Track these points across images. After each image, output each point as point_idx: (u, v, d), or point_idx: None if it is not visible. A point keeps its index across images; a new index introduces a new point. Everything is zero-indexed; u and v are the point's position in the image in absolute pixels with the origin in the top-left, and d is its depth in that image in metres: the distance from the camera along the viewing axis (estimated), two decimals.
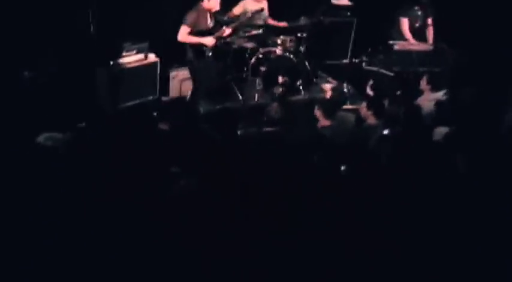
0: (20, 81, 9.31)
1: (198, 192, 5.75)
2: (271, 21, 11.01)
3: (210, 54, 9.62)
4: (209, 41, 9.49)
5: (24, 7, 9.33)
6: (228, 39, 10.23)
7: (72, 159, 6.37)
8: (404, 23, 10.66)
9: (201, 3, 9.42)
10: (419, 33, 10.73)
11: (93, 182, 6.05)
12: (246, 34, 10.56)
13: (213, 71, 10.02)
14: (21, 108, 8.71)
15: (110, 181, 6.02)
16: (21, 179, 5.91)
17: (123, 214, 5.60)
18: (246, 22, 10.47)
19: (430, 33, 10.82)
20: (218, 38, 9.61)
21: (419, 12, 10.62)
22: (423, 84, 8.89)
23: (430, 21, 10.75)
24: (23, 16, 9.33)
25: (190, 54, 9.62)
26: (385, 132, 7.32)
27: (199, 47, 9.51)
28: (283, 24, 11.00)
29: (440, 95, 8.58)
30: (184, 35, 9.36)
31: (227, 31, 9.75)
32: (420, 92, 8.91)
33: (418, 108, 8.22)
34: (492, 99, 8.53)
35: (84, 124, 8.26)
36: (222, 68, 10.51)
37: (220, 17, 9.85)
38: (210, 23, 9.59)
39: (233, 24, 9.99)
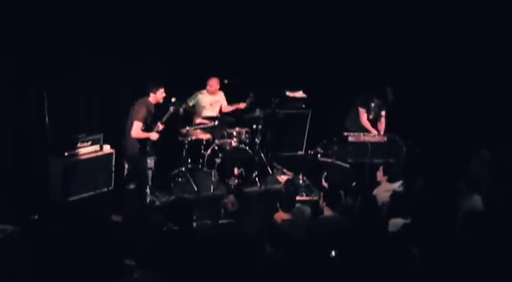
0: None
1: None
2: (228, 108, 11.12)
3: (152, 148, 9.63)
4: (154, 136, 9.35)
5: None
6: (184, 131, 10.24)
7: (24, 252, 6.24)
8: (363, 113, 10.75)
9: (147, 98, 9.33)
10: (372, 124, 10.83)
11: (45, 275, 5.91)
12: (202, 126, 10.59)
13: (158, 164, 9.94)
14: None
15: (63, 275, 5.88)
16: None
17: None
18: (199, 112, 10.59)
19: (382, 124, 10.88)
20: (159, 132, 9.51)
21: (373, 104, 10.72)
22: (379, 175, 8.94)
23: (383, 113, 10.84)
24: None
25: (134, 150, 9.36)
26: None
27: (145, 142, 9.43)
28: (242, 105, 11.05)
29: (397, 185, 8.63)
30: (138, 131, 9.16)
31: (161, 126, 9.63)
32: (377, 183, 8.95)
33: (374, 199, 8.26)
34: (445, 190, 8.63)
35: (36, 216, 8.13)
36: (177, 159, 10.48)
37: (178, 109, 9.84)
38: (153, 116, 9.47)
39: (165, 117, 9.89)
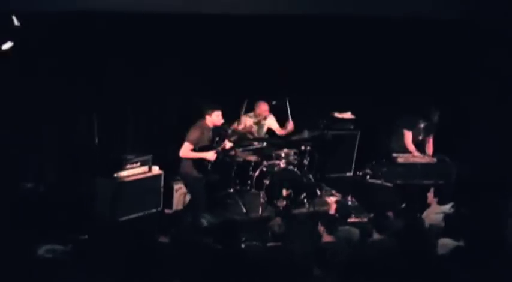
0: (20, 191, 9.34)
1: None
2: (282, 131, 11.09)
3: (209, 167, 9.63)
4: (211, 155, 9.47)
5: (29, 116, 9.46)
6: (232, 153, 10.26)
7: (73, 272, 6.28)
8: (409, 136, 10.62)
9: (204, 121, 9.49)
10: (419, 147, 10.73)
11: None
12: (250, 147, 10.59)
13: (210, 185, 9.97)
14: (21, 219, 8.68)
15: None
16: None
17: None
18: (247, 134, 10.58)
19: (430, 147, 10.79)
20: (219, 152, 9.61)
21: (422, 126, 10.62)
22: (430, 197, 8.84)
23: (431, 136, 10.75)
24: (27, 125, 9.47)
25: (187, 168, 9.59)
26: None
27: (200, 161, 9.51)
28: (290, 126, 10.93)
29: (447, 208, 8.52)
30: (187, 151, 9.34)
31: (228, 144, 9.79)
32: (427, 205, 8.84)
33: (422, 221, 8.18)
34: (496, 214, 8.51)
35: (86, 236, 8.21)
36: (225, 180, 10.52)
37: (224, 130, 9.88)
38: (211, 137, 9.62)
39: (234, 137, 10.03)
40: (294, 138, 10.95)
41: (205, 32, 10.46)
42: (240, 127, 10.61)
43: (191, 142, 9.36)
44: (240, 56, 11.00)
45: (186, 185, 9.96)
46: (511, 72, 10.98)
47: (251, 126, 10.82)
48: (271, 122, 11.09)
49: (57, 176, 9.83)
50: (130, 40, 9.99)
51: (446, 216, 8.09)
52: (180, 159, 9.50)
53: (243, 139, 10.49)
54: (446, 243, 7.25)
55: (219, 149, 9.58)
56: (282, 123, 11.11)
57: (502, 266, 6.76)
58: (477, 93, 11.39)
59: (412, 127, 10.62)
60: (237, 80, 11.02)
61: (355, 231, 7.88)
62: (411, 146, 10.61)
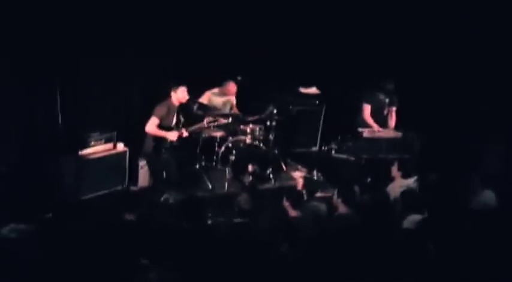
0: None
1: None
2: (237, 110, 11.08)
3: (169, 147, 9.68)
4: (173, 136, 9.62)
5: None
6: (195, 128, 10.21)
7: (38, 251, 6.22)
8: (367, 109, 10.71)
9: (170, 99, 9.61)
10: (383, 120, 10.79)
11: (59, 275, 5.90)
12: (215, 123, 10.56)
13: (173, 162, 9.95)
14: None
15: (77, 274, 5.86)
16: None
17: None
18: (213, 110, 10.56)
19: (392, 120, 10.85)
20: (180, 135, 9.68)
21: (383, 99, 10.67)
22: (394, 170, 8.88)
23: (393, 108, 10.79)
24: None
25: (149, 147, 9.66)
26: None
27: (161, 139, 9.54)
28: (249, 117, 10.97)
29: (411, 181, 8.58)
30: (153, 127, 9.46)
31: (185, 133, 9.81)
32: (391, 179, 8.89)
33: (387, 195, 8.22)
34: (459, 184, 8.57)
35: (50, 215, 8.12)
36: (191, 157, 10.48)
37: (192, 106, 9.89)
38: (175, 118, 9.75)
39: (193, 128, 10.04)
40: (259, 114, 10.92)
41: (170, 6, 10.38)
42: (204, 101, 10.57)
43: (157, 116, 9.48)
44: (205, 32, 10.95)
45: (149, 163, 9.95)
46: (469, 38, 11.03)
47: (221, 103, 10.85)
48: (232, 100, 11.09)
49: (20, 155, 9.68)
50: (96, 15, 9.86)
51: (405, 191, 8.08)
52: (144, 137, 9.49)
53: (210, 113, 10.42)
54: (411, 217, 7.29)
55: (179, 133, 9.63)
56: (244, 101, 11.12)
57: (466, 239, 6.83)
58: (442, 63, 11.41)
59: (370, 101, 10.70)
60: (203, 57, 10.96)
61: (322, 206, 7.90)
62: (370, 120, 10.70)
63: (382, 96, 10.67)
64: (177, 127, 9.74)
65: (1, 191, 8.86)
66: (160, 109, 9.53)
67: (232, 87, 10.83)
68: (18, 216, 7.08)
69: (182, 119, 9.84)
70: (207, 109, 10.28)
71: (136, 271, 5.91)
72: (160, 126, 9.55)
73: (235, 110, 11.07)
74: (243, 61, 11.10)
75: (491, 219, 7.34)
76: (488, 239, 6.76)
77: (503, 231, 6.90)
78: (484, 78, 10.95)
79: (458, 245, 6.71)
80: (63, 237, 6.67)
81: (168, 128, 9.64)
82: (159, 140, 9.57)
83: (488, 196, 8.14)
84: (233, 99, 11.08)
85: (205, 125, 10.11)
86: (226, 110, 10.92)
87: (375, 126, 10.62)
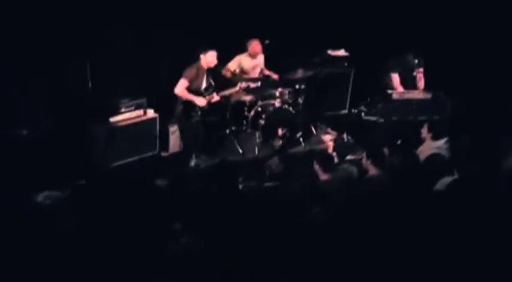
0: (16, 138, 9.32)
1: (201, 250, 5.66)
2: (267, 72, 11.02)
3: (199, 113, 9.73)
4: (201, 101, 9.65)
5: (19, 63, 9.36)
6: (226, 93, 10.23)
7: (72, 218, 6.31)
8: (395, 78, 10.63)
9: (199, 62, 9.62)
10: (412, 82, 10.71)
11: (93, 241, 5.98)
12: (247, 87, 10.53)
13: (204, 128, 10.05)
14: (17, 166, 8.67)
15: (110, 240, 5.94)
16: (21, 239, 5.84)
17: (125, 273, 5.52)
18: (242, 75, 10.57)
19: (421, 81, 10.72)
20: (209, 101, 9.71)
21: (411, 61, 10.57)
22: (424, 132, 8.82)
23: (421, 70, 10.68)
24: (18, 73, 9.38)
25: (179, 111, 9.73)
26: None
27: (190, 104, 9.57)
28: (275, 76, 10.97)
29: (442, 143, 8.53)
30: (182, 88, 9.49)
31: (216, 97, 9.84)
32: (421, 141, 8.84)
33: (417, 157, 8.20)
34: (491, 146, 8.51)
35: (84, 181, 8.22)
36: (220, 122, 10.52)
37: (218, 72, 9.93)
38: (205, 82, 9.73)
39: (225, 92, 10.10)
40: (288, 76, 10.90)
41: None
42: (232, 66, 10.52)
43: (187, 79, 9.52)
44: None
45: (180, 128, 10.02)
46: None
47: (251, 67, 10.80)
48: (261, 61, 11.02)
49: (52, 123, 9.76)
50: None
51: (434, 155, 8.02)
52: (175, 102, 9.54)
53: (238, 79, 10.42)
54: (442, 179, 7.27)
55: (209, 98, 9.65)
56: (271, 63, 11.08)
57: (499, 200, 6.80)
58: (472, 23, 11.29)
59: (397, 68, 10.61)
60: (231, 21, 10.93)
61: (353, 169, 7.90)
62: (400, 88, 10.61)
63: (409, 59, 10.57)
64: (207, 91, 9.75)
65: (35, 159, 8.96)
66: (190, 71, 9.53)
67: (256, 45, 10.70)
68: (52, 184, 7.18)
69: (213, 83, 9.84)
70: (234, 76, 10.28)
71: (169, 236, 5.98)
72: (190, 89, 9.57)
73: (266, 72, 11.02)
74: (271, 24, 11.03)
75: None
76: None
77: None
78: None
79: (489, 207, 6.69)
80: (97, 203, 6.75)
81: (198, 91, 9.65)
82: (189, 104, 9.61)
83: None
84: (262, 62, 11.01)
85: (238, 89, 10.13)
86: (256, 74, 10.88)
87: (405, 92, 10.55)
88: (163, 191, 7.33)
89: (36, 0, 9.26)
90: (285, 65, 11.05)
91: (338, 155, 8.53)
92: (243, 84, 10.20)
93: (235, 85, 10.25)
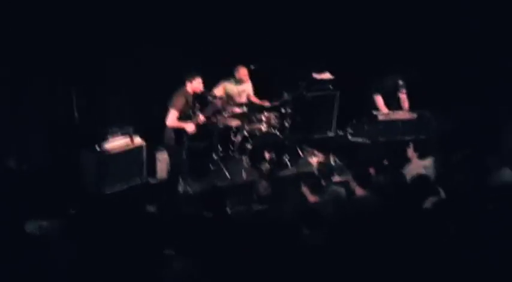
0: (5, 169, 9.34)
1: (192, 275, 5.70)
2: (255, 99, 11.08)
3: (187, 138, 9.77)
4: (190, 127, 9.66)
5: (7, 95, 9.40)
6: (213, 119, 10.29)
7: (64, 247, 6.32)
8: (379, 100, 10.75)
9: (185, 88, 9.64)
10: (396, 103, 10.81)
11: (86, 269, 5.99)
12: (230, 112, 10.59)
13: (193, 153, 10.06)
14: (7, 197, 8.67)
15: (102, 268, 5.96)
16: (14, 269, 5.85)
17: None
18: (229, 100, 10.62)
19: (405, 102, 10.83)
20: (196, 124, 9.74)
21: (393, 82, 10.67)
22: (410, 152, 8.89)
23: (404, 90, 10.76)
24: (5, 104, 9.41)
25: (170, 139, 9.76)
26: None
27: (180, 131, 9.64)
28: (266, 103, 11.04)
29: (428, 162, 8.60)
30: (173, 119, 9.52)
31: (202, 118, 9.88)
32: (408, 160, 8.91)
33: (403, 177, 8.26)
34: (479, 163, 8.58)
35: (74, 211, 8.22)
36: (207, 147, 10.56)
37: (205, 97, 9.97)
38: (191, 105, 9.78)
39: (208, 110, 10.13)
40: (274, 102, 10.96)
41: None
42: (217, 92, 10.57)
43: (177, 109, 9.52)
44: (218, 22, 10.98)
45: (170, 155, 10.05)
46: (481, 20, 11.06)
47: (237, 93, 10.85)
48: (248, 88, 11.10)
49: (41, 152, 9.77)
50: (107, 10, 9.94)
51: (421, 176, 8.05)
52: (162, 128, 9.58)
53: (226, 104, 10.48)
54: (429, 199, 7.32)
55: (195, 121, 9.69)
56: (259, 89, 11.16)
57: (484, 219, 6.87)
58: (455, 46, 11.43)
59: (380, 89, 10.70)
60: (216, 46, 10.99)
61: (341, 190, 7.94)
62: (384, 109, 10.72)
63: (392, 80, 10.68)
64: (194, 115, 9.78)
65: (24, 189, 8.96)
66: (178, 100, 9.54)
67: (242, 71, 10.74)
68: (42, 213, 7.18)
69: (198, 106, 9.86)
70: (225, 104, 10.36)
71: (161, 261, 6.00)
72: (180, 117, 9.61)
73: (253, 98, 11.09)
74: (256, 50, 11.10)
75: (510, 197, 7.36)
76: (508, 217, 6.80)
77: None
78: (500, 58, 10.97)
79: (477, 224, 6.75)
80: (87, 231, 6.77)
81: (187, 117, 9.69)
82: (180, 132, 9.64)
83: (507, 174, 8.15)
84: (249, 88, 11.08)
85: (220, 107, 10.15)
86: (242, 99, 10.94)
87: (391, 113, 10.64)
88: (153, 217, 7.36)
89: (18, 31, 9.29)
90: (270, 89, 11.13)
91: (325, 177, 8.56)
92: (226, 109, 10.27)
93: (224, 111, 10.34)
